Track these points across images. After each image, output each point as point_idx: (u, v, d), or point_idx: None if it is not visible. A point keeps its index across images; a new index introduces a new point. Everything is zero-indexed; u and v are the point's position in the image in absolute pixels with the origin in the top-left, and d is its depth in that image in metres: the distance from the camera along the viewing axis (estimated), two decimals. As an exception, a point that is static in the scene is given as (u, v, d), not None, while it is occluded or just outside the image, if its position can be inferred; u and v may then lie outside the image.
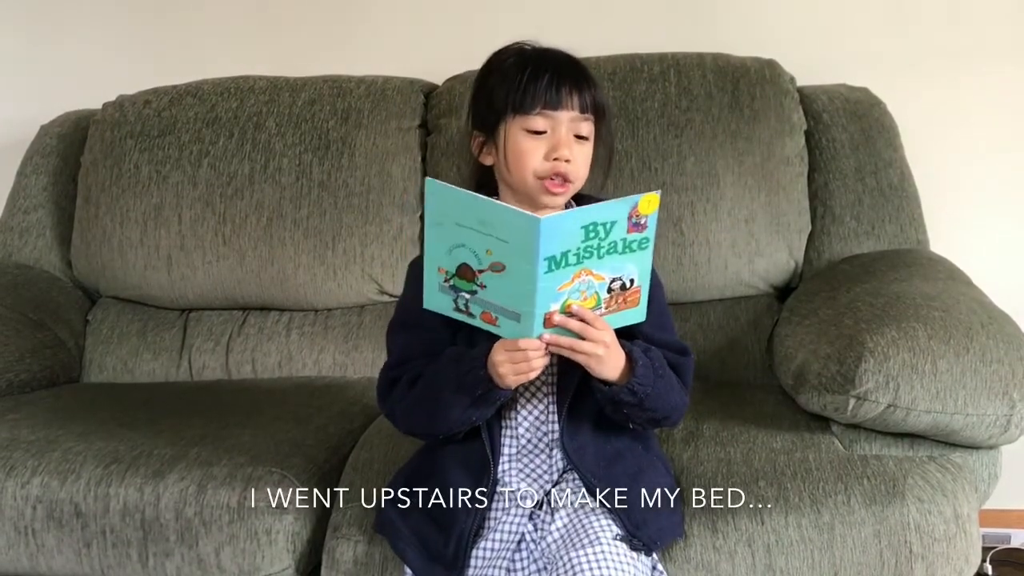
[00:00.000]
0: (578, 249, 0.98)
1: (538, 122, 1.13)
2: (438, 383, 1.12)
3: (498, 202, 1.00)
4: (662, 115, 1.76)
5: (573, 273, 1.00)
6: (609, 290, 1.04)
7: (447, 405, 1.11)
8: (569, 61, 1.17)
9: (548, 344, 1.04)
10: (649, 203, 0.99)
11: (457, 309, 1.06)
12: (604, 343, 1.05)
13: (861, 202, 1.74)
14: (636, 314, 1.08)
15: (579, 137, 1.15)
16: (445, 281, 1.04)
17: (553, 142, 1.13)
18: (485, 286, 1.02)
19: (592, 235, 0.98)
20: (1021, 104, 1.94)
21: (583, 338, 1.04)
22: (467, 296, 1.04)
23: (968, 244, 1.87)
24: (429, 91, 1.95)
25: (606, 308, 1.05)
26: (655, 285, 1.09)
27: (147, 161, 1.91)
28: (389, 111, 1.89)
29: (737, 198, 1.71)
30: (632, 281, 1.04)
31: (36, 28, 2.25)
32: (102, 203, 1.92)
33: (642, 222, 1.00)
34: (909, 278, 1.51)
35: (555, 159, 1.13)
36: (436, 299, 1.06)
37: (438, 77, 1.97)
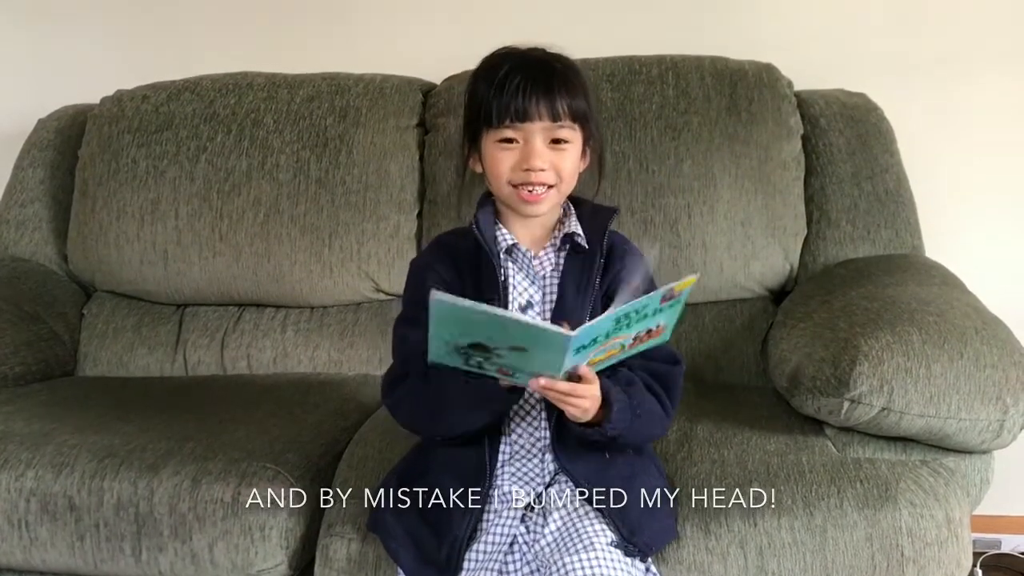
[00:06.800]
0: (608, 332, 0.96)
1: (508, 133, 1.14)
2: (445, 381, 1.10)
3: (520, 317, 0.94)
4: (660, 117, 1.76)
5: (601, 348, 0.98)
6: (635, 338, 1.01)
7: (451, 403, 1.11)
8: (544, 69, 1.14)
9: (543, 387, 1.01)
10: (684, 285, 0.95)
11: (468, 365, 0.99)
12: (592, 397, 1.05)
13: (857, 207, 1.75)
14: (660, 341, 1.05)
15: (558, 141, 1.15)
16: (456, 349, 0.96)
17: (524, 152, 1.14)
18: (503, 356, 0.96)
19: (624, 321, 0.96)
20: (1017, 111, 1.95)
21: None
22: (480, 359, 0.97)
23: (963, 250, 1.87)
24: (427, 90, 1.95)
25: (629, 348, 1.03)
26: (651, 289, 1.09)
27: (144, 156, 1.90)
28: (387, 109, 1.89)
29: (733, 201, 1.71)
30: (659, 325, 1.01)
31: (35, 22, 2.25)
32: (99, 197, 1.92)
33: (675, 295, 0.97)
34: (904, 283, 1.51)
35: (526, 169, 1.14)
36: (444, 358, 0.99)
37: (436, 76, 1.97)
